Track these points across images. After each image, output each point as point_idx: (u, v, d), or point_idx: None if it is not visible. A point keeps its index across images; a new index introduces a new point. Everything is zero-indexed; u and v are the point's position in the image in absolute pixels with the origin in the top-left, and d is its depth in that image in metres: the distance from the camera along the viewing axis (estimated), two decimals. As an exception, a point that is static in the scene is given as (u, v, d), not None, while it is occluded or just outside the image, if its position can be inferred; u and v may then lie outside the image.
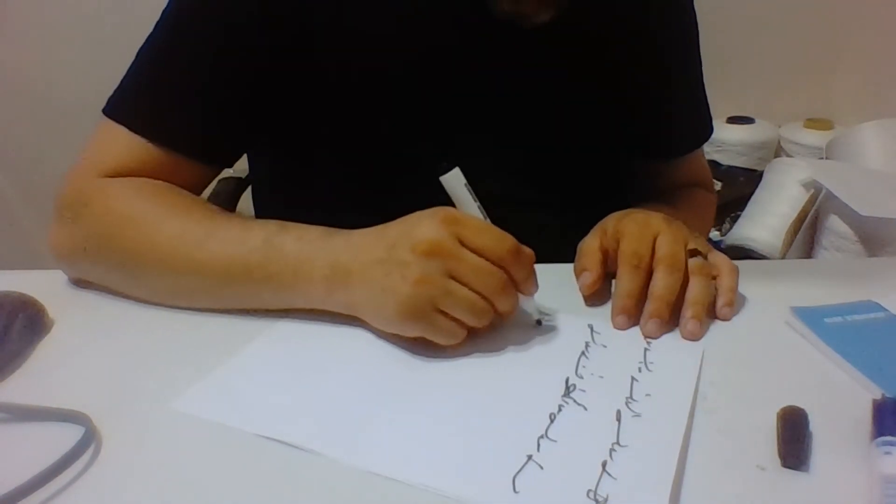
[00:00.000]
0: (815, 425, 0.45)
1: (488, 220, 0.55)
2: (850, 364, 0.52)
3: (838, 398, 0.49)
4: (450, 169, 0.54)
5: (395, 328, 0.52)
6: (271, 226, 0.57)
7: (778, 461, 0.43)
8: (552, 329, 0.57)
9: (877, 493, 0.40)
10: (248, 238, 0.56)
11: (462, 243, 0.50)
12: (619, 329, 0.57)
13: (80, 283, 0.62)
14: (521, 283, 0.53)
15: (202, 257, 0.56)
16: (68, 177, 0.63)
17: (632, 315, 0.57)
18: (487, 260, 0.51)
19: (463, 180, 0.54)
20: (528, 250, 0.53)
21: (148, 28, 0.65)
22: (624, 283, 0.58)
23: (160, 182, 0.62)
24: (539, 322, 0.57)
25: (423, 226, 0.51)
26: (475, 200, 0.55)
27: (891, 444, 0.42)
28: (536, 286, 0.54)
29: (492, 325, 0.53)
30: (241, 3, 0.63)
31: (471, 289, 0.50)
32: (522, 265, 0.52)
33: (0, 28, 1.66)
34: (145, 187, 0.61)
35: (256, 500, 0.40)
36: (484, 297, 0.51)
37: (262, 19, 0.63)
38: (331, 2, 0.64)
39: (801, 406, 0.46)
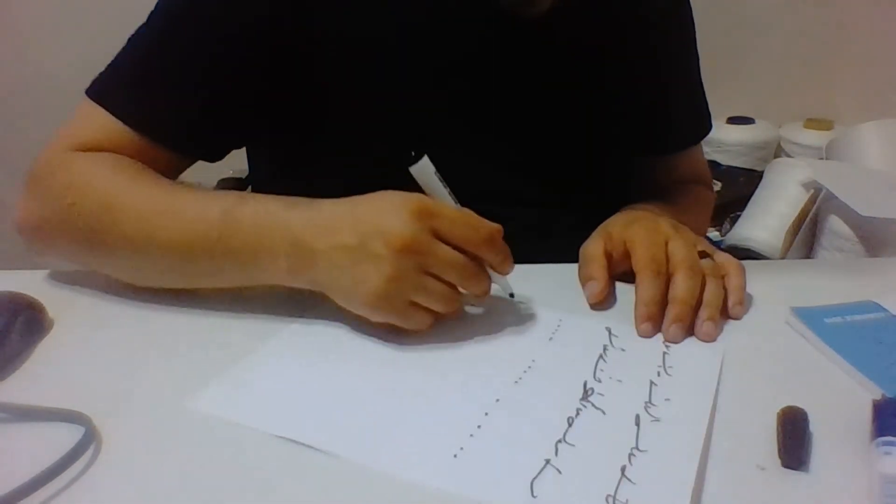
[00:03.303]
0: (815, 425, 0.45)
1: (458, 205, 0.55)
2: (850, 364, 0.52)
3: (838, 398, 0.49)
4: (419, 159, 0.52)
5: (364, 313, 0.53)
6: (230, 198, 0.57)
7: (778, 461, 0.43)
8: (568, 332, 0.57)
9: (877, 493, 0.40)
10: (207, 212, 0.55)
11: (437, 235, 0.51)
12: (644, 337, 0.56)
13: (79, 282, 0.62)
14: (497, 266, 0.54)
15: (164, 234, 0.56)
16: (41, 152, 0.63)
17: (657, 322, 0.57)
18: (463, 250, 0.52)
19: (432, 169, 0.53)
20: (499, 229, 0.53)
21: (149, 27, 0.65)
22: (647, 290, 0.57)
23: (124, 157, 0.62)
24: (512, 295, 0.58)
25: (396, 219, 0.50)
26: (446, 187, 0.54)
27: (891, 444, 0.41)
28: (512, 265, 0.55)
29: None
30: (240, 2, 0.63)
31: (444, 281, 0.52)
32: (498, 249, 0.53)
33: (0, 28, 1.66)
34: (108, 161, 0.61)
35: (258, 501, 0.40)
36: (456, 287, 0.53)
37: (260, 21, 0.63)
38: (332, 5, 0.64)
39: (801, 406, 0.46)
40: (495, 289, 0.57)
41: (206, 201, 0.57)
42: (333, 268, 0.52)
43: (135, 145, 0.63)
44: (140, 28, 0.65)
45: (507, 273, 0.56)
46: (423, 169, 0.53)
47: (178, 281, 0.58)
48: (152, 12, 0.65)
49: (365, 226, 0.51)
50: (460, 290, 0.54)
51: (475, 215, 0.53)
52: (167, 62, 0.64)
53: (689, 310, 0.56)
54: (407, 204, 0.51)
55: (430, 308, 0.52)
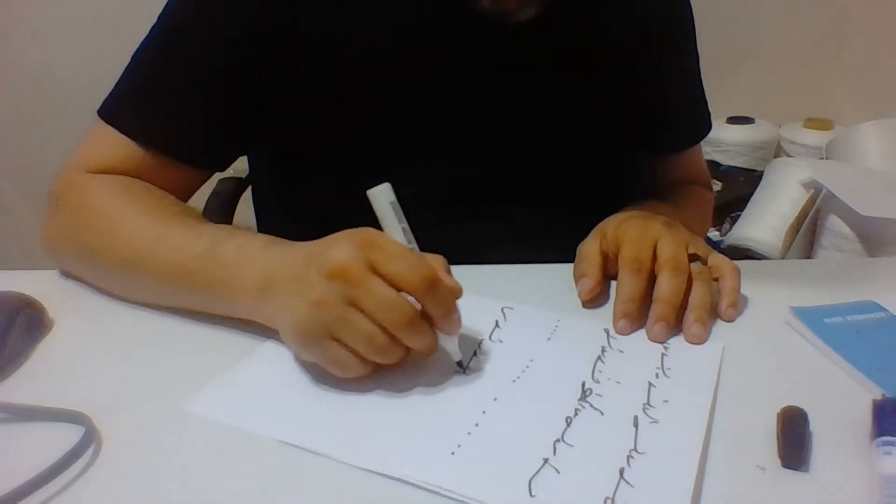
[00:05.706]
0: (815, 425, 0.45)
1: (413, 243, 0.50)
2: (850, 364, 0.52)
3: (838, 398, 0.49)
4: (379, 183, 0.49)
5: (293, 345, 0.50)
6: (219, 233, 0.56)
7: (778, 461, 0.43)
8: (566, 333, 0.56)
9: (877, 493, 0.40)
10: (194, 245, 0.56)
11: (374, 269, 0.46)
12: (621, 334, 0.56)
13: (79, 282, 0.62)
14: (437, 320, 0.48)
15: (153, 260, 0.56)
16: (59, 172, 0.65)
17: (634, 319, 0.57)
18: (400, 290, 0.46)
19: (391, 197, 0.49)
20: (450, 283, 0.48)
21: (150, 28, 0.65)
22: (625, 288, 0.58)
23: (137, 181, 0.63)
24: (460, 364, 0.51)
25: (337, 247, 0.47)
26: (401, 222, 0.49)
27: (891, 444, 0.42)
28: (458, 325, 0.49)
29: (412, 362, 0.49)
30: (237, 10, 0.63)
31: (373, 320, 0.46)
32: (439, 299, 0.47)
33: (1, 28, 1.66)
34: (119, 184, 0.62)
35: (257, 501, 0.40)
36: (388, 332, 0.46)
37: (257, 27, 0.64)
38: (324, 10, 0.64)
39: (801, 406, 0.46)
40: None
41: (194, 234, 0.57)
42: (280, 298, 0.49)
43: (148, 164, 0.64)
44: (143, 42, 0.66)
45: (452, 333, 0.49)
46: (377, 196, 0.49)
47: (167, 302, 0.58)
48: (154, 25, 0.66)
49: (312, 256, 0.48)
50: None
51: (421, 256, 0.48)
52: (172, 77, 0.65)
53: (671, 309, 0.56)
54: (353, 235, 0.48)
55: (356, 350, 0.46)
